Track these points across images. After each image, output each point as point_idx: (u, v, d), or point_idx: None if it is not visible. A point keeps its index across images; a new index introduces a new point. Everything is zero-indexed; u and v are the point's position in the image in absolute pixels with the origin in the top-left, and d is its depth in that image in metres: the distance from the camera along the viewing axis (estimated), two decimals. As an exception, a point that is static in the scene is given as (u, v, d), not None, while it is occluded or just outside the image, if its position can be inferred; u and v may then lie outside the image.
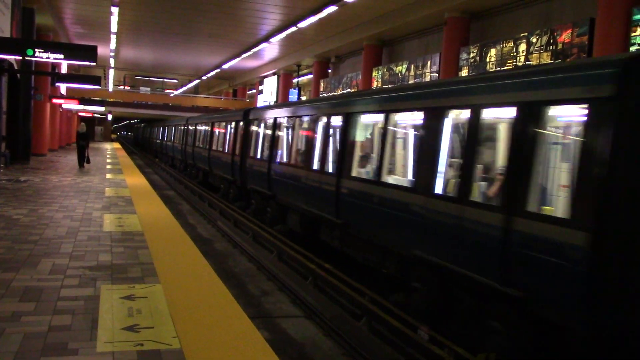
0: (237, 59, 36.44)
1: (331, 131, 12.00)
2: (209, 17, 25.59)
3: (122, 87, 61.23)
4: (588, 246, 5.22)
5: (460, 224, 7.07)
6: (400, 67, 23.35)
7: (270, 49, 33.05)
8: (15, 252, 7.06)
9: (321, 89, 31.81)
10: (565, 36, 15.02)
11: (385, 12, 21.94)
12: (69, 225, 9.17)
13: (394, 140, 10.11)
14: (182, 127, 33.13)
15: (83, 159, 21.84)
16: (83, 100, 36.82)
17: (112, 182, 16.88)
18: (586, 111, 5.65)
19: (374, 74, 25.30)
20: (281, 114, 15.57)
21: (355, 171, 10.56)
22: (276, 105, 19.25)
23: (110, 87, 55.57)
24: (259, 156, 16.91)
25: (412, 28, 22.47)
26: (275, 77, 39.02)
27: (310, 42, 29.66)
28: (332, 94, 28.57)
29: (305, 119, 13.60)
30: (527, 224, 5.99)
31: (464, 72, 18.87)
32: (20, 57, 13.90)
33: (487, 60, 17.91)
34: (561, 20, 15.70)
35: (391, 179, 9.51)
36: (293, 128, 14.50)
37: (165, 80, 58.53)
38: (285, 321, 8.34)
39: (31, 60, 19.98)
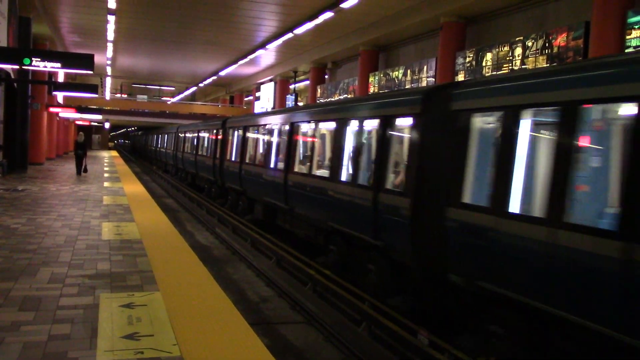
0: (234, 66, 36.47)
1: (282, 136, 15.06)
2: (205, 25, 25.63)
3: (119, 95, 61.23)
4: (410, 207, 8.33)
5: (352, 200, 10.24)
6: (396, 72, 23.40)
7: (267, 56, 33.08)
8: (14, 262, 7.05)
9: (318, 94, 31.83)
10: (560, 40, 15.08)
11: (381, 17, 22.00)
12: (67, 234, 9.16)
13: (320, 142, 13.21)
14: (173, 135, 35.27)
15: (80, 167, 22.77)
16: (80, 109, 36.79)
17: (110, 190, 16.87)
18: (411, 122, 8.77)
19: (371, 79, 25.34)
20: (248, 123, 18.69)
21: (297, 167, 13.62)
22: (245, 116, 22.68)
23: (107, 96, 55.60)
24: (232, 159, 19.87)
25: (408, 33, 22.53)
26: (272, 83, 39.05)
27: (307, 48, 29.71)
28: (326, 100, 28.65)
29: (265, 127, 16.61)
30: (385, 197, 9.11)
31: (461, 77, 18.92)
32: (17, 67, 13.90)
33: (483, 64, 17.96)
34: (556, 24, 15.75)
35: (318, 172, 12.48)
36: (257, 134, 17.72)
37: (162, 87, 58.52)
38: (285, 327, 8.34)
39: (28, 69, 20.02)
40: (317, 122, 12.85)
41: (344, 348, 7.48)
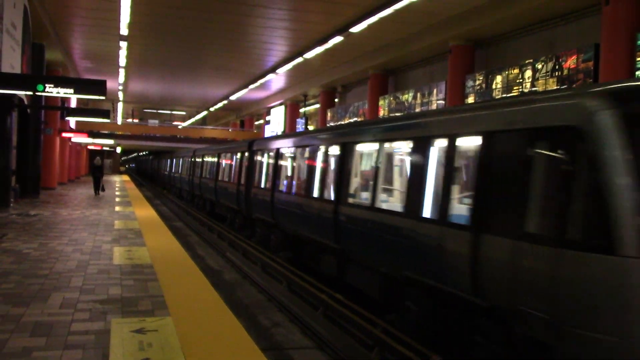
0: (244, 90, 36.72)
1: (234, 161, 21.37)
2: (215, 50, 25.90)
3: (130, 120, 61.76)
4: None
5: (264, 197, 16.17)
6: (406, 96, 23.48)
7: (277, 80, 33.31)
8: (26, 287, 7.05)
9: (328, 118, 31.95)
10: (570, 62, 15.09)
11: (390, 41, 22.14)
12: (78, 258, 9.17)
13: (259, 165, 18.25)
14: (173, 160, 38.52)
15: (98, 188, 25.71)
16: (92, 134, 37.12)
17: (121, 214, 16.92)
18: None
19: (381, 102, 25.43)
20: (218, 152, 24.92)
21: (255, 181, 18.36)
22: (215, 147, 28.73)
23: (119, 120, 56.11)
24: (207, 176, 26.68)
25: (417, 57, 22.64)
26: (283, 107, 39.27)
27: (317, 72, 29.91)
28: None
29: (227, 154, 22.98)
30: (277, 195, 15.08)
31: (470, 99, 18.95)
32: (31, 93, 14.06)
33: (493, 87, 17.99)
34: (566, 47, 15.77)
35: (262, 184, 17.32)
36: (224, 159, 23.42)
37: (173, 112, 58.99)
38: (297, 353, 8.26)
39: (41, 95, 20.25)
40: (244, 151, 20.29)
41: (356, 374, 7.38)
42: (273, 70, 29.05)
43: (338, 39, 20.98)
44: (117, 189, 32.40)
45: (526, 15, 16.42)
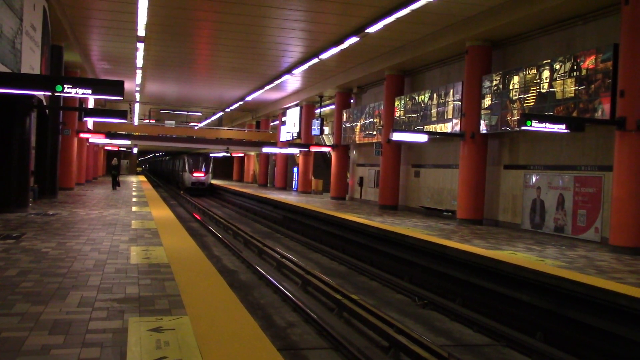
0: (260, 91, 36.82)
1: (169, 161, 68.64)
2: (231, 51, 25.99)
3: (147, 120, 62.18)
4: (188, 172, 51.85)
5: (176, 173, 57.19)
6: (422, 96, 23.40)
7: (293, 81, 33.35)
8: (44, 285, 7.11)
9: (344, 119, 31.94)
10: (589, 62, 14.94)
11: (406, 42, 22.08)
12: (96, 258, 9.24)
13: (168, 162, 67.57)
14: (165, 159, 64.13)
15: (115, 184, 31.01)
16: (109, 135, 37.38)
17: (138, 214, 17.03)
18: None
19: (397, 103, 25.36)
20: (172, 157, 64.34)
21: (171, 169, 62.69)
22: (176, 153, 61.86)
23: (136, 121, 56.53)
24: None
25: (433, 57, 22.55)
26: (298, 108, 39.30)
27: (332, 73, 29.91)
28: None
29: (169, 158, 69.28)
30: (182, 175, 52.59)
31: (487, 100, 18.84)
32: (50, 93, 14.14)
33: (510, 87, 17.87)
34: (584, 47, 15.64)
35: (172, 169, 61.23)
36: (172, 161, 62.06)
37: (189, 113, 59.30)
38: (312, 353, 8.27)
39: (60, 96, 20.44)
40: (169, 157, 66.70)
41: (372, 374, 7.38)
42: (289, 71, 29.09)
43: (354, 39, 20.97)
44: (133, 189, 32.63)
45: (544, 15, 16.29)
